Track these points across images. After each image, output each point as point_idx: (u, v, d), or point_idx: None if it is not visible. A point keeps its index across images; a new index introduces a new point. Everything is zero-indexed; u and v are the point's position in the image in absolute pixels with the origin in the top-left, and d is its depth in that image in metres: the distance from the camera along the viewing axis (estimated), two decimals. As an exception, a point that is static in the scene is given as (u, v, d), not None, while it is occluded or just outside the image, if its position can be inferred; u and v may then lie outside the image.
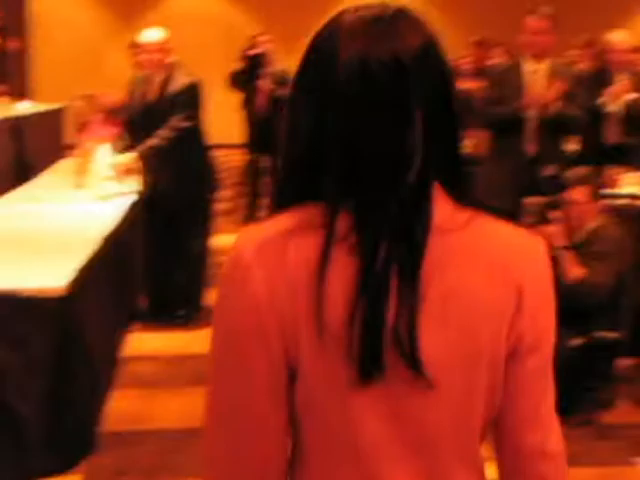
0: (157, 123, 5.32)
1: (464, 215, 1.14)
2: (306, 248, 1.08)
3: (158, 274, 5.65)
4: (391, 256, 1.07)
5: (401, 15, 1.11)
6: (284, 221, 1.11)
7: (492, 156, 5.49)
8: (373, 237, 1.07)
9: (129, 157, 5.37)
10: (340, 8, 1.16)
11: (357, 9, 1.12)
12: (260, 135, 8.88)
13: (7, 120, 6.61)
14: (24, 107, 7.21)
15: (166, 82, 5.41)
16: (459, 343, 1.11)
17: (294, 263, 1.08)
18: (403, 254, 1.08)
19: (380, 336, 1.06)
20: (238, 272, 1.10)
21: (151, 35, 5.53)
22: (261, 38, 8.97)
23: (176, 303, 5.67)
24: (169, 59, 5.51)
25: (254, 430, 1.12)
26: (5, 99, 7.50)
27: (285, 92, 8.95)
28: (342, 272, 1.07)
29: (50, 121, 7.40)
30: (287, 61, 9.32)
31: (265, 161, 9.10)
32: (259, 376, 1.10)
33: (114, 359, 4.63)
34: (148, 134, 5.32)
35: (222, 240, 8.01)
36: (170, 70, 5.48)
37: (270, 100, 8.84)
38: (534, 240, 1.19)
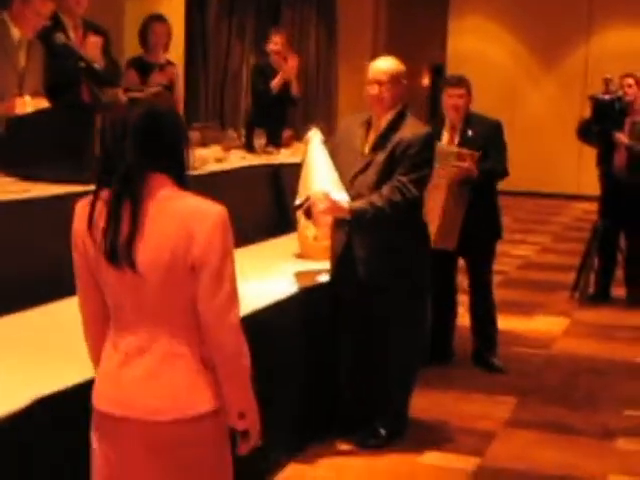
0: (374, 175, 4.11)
1: (175, 193, 2.16)
2: (88, 205, 2.20)
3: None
4: (123, 208, 2.13)
5: (136, 101, 2.17)
6: (91, 195, 2.21)
7: None
8: (115, 199, 2.13)
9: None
10: None
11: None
12: (616, 201, 7.18)
13: (268, 166, 5.95)
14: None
15: (392, 126, 4.13)
16: (157, 257, 2.13)
17: (86, 212, 2.19)
18: (129, 209, 2.13)
19: (116, 247, 2.13)
20: (73, 216, 2.26)
21: (380, 64, 4.20)
22: (627, 80, 7.26)
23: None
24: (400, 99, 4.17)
25: (81, 295, 2.31)
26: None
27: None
28: (102, 215, 2.15)
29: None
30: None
31: (619, 233, 7.36)
32: (77, 267, 2.26)
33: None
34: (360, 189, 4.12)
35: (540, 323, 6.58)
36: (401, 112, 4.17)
37: (630, 158, 7.10)
38: (209, 206, 2.16)
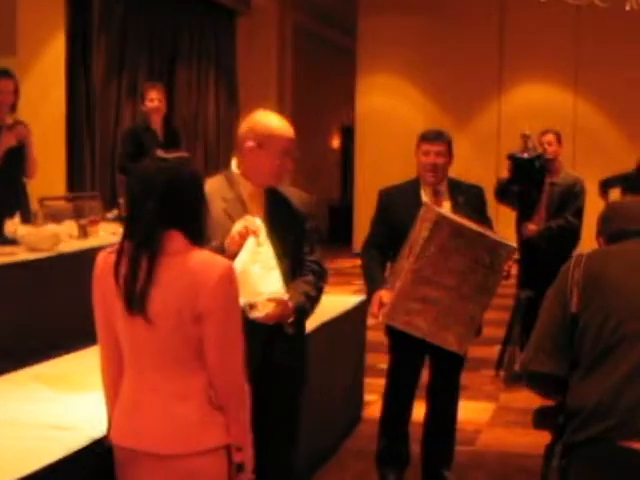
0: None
1: (187, 249, 2.40)
2: (112, 257, 2.45)
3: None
4: (141, 262, 2.37)
5: (163, 167, 2.43)
6: (115, 246, 2.48)
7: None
8: (135, 254, 2.38)
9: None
10: None
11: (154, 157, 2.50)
12: (535, 268, 6.50)
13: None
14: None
15: (273, 197, 3.29)
16: (167, 306, 2.36)
17: (110, 262, 2.43)
18: (146, 263, 2.37)
19: (132, 296, 2.37)
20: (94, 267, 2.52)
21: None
22: (547, 137, 6.64)
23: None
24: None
25: (100, 340, 2.55)
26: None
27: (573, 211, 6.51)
28: (126, 266, 2.40)
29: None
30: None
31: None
32: (97, 314, 2.51)
33: None
34: None
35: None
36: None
37: (544, 222, 6.48)
38: (216, 260, 2.44)
